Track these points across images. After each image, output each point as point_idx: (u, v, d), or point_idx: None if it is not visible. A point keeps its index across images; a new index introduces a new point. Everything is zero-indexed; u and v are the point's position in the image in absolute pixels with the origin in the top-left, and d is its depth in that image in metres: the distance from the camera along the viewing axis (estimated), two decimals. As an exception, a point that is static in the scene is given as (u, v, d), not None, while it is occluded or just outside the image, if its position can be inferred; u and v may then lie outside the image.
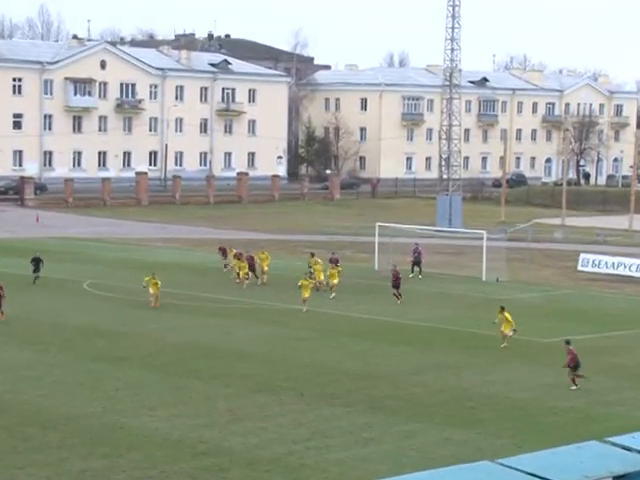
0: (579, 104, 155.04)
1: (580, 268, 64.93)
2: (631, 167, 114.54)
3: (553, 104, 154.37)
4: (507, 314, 41.03)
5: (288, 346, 40.22)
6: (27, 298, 50.28)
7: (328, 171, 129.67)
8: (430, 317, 48.01)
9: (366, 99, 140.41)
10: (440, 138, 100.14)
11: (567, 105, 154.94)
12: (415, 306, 51.06)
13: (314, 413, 31.13)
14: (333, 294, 51.21)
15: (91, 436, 28.32)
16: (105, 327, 43.46)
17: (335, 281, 51.62)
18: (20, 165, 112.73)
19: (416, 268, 60.13)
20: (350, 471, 25.96)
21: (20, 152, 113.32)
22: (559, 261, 69.92)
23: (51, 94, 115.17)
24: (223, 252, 60.24)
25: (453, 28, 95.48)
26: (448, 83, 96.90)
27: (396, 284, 50.95)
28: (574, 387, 34.30)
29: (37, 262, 55.31)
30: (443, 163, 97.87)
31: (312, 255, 56.00)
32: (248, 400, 32.51)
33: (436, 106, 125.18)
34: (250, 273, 55.33)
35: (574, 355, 34.78)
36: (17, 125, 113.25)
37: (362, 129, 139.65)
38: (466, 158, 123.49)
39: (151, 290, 48.16)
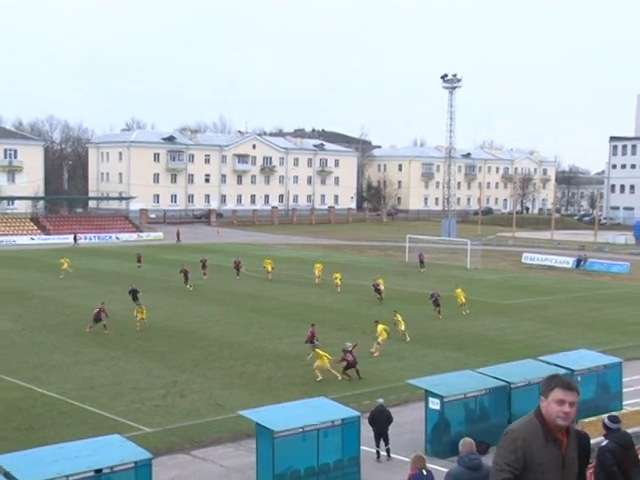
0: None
1: (523, 261, 64.03)
2: (552, 203, 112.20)
3: (508, 168, 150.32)
4: (381, 326, 27.81)
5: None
6: (210, 277, 50.77)
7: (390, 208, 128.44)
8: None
9: (401, 164, 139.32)
10: (443, 187, 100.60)
11: (516, 169, 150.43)
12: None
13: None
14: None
15: (246, 353, 28.60)
16: (253, 293, 43.84)
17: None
18: (208, 202, 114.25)
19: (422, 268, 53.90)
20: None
21: (208, 195, 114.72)
22: (510, 257, 68.75)
23: (225, 163, 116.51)
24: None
25: (451, 119, 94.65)
26: (445, 155, 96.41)
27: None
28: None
29: (134, 293, 36.95)
30: (444, 199, 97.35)
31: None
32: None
33: (441, 168, 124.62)
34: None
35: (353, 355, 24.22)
36: (207, 180, 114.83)
37: (399, 181, 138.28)
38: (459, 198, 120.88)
39: (268, 267, 48.87)
